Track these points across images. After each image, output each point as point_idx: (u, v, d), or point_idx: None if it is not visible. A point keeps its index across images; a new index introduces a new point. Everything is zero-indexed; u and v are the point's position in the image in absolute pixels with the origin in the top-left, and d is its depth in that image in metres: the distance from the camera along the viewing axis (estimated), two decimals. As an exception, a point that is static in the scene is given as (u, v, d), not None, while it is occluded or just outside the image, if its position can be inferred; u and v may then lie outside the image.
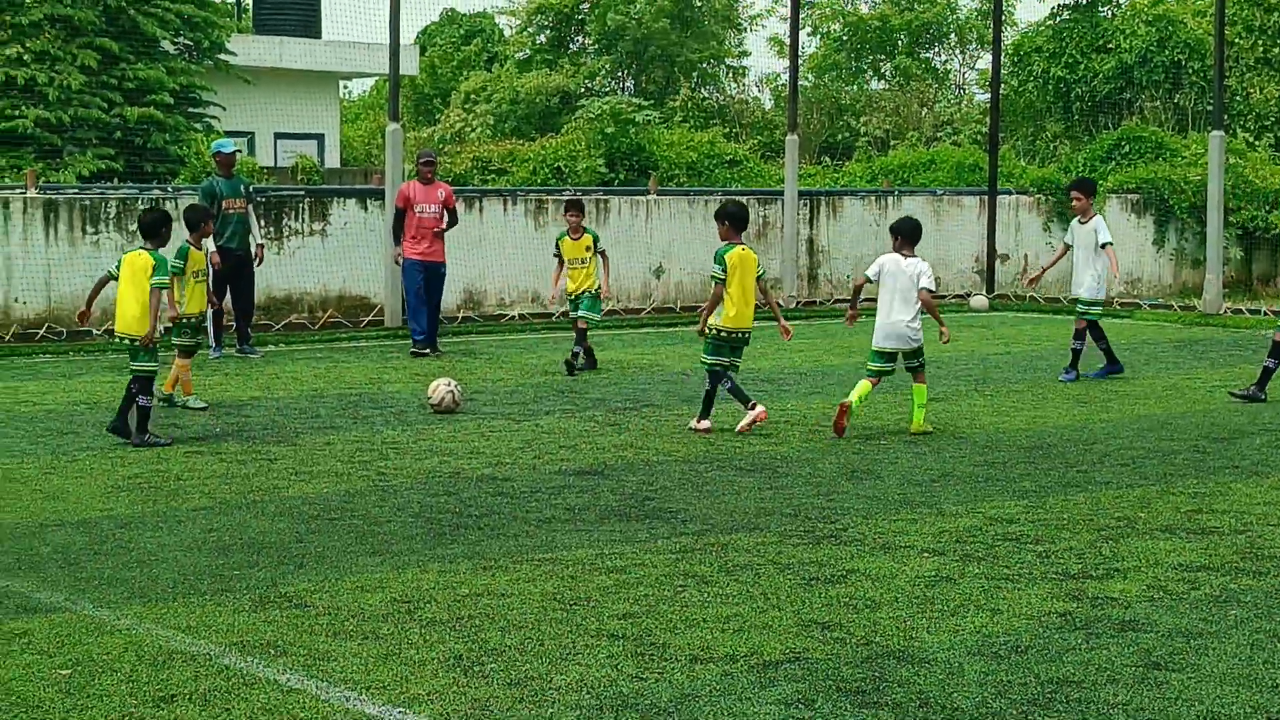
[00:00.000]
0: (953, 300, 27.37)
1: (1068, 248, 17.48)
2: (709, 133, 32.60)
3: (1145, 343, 21.04)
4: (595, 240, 17.49)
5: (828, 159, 38.56)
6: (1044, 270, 17.87)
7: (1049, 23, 38.74)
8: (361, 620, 7.45)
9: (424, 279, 18.94)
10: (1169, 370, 17.96)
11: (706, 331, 13.26)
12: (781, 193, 26.24)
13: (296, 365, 17.82)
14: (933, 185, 29.79)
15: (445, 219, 19.05)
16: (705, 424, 13.29)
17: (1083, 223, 17.11)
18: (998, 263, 28.36)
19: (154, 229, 12.80)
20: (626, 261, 24.63)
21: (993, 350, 20.01)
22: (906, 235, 13.65)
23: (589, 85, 44.32)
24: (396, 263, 19.32)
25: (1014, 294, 27.84)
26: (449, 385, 14.28)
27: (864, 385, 13.28)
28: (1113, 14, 38.07)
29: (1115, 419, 14.10)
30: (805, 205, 26.64)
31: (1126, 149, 32.03)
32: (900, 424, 13.67)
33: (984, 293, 27.59)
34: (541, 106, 42.14)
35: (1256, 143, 33.31)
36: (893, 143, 38.44)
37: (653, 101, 36.55)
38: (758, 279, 13.40)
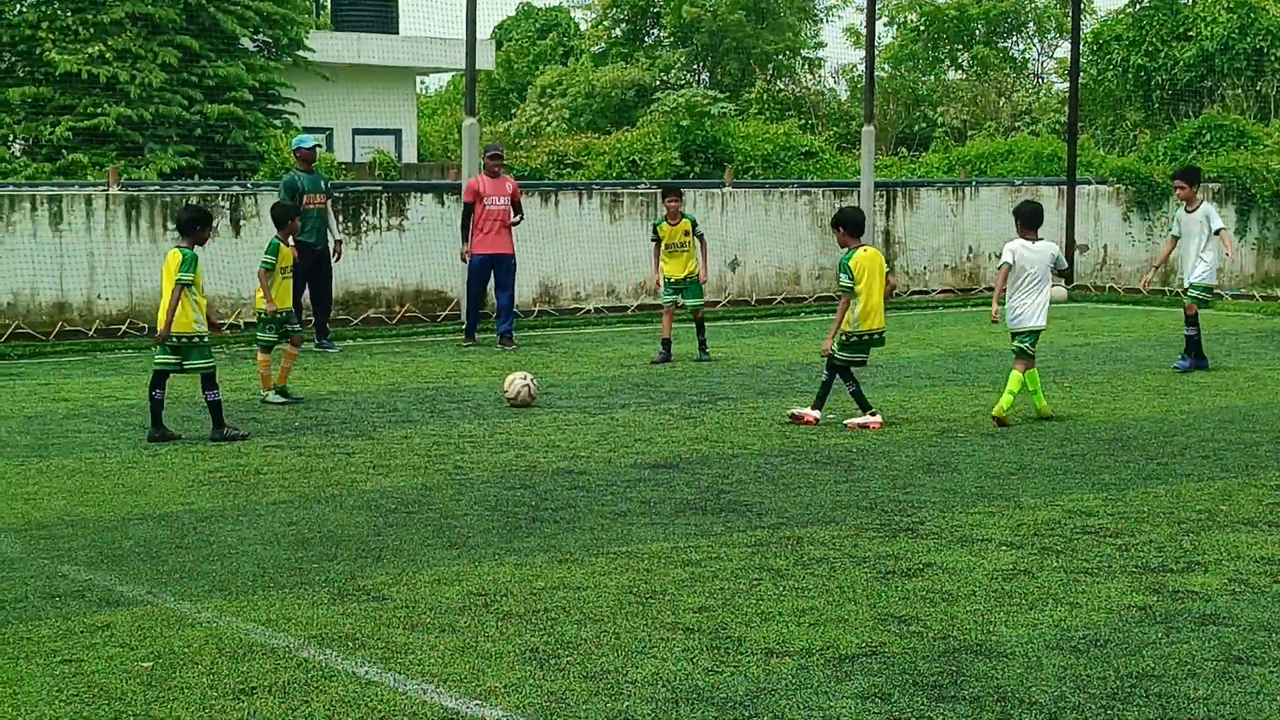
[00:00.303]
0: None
1: (1175, 239, 17.21)
2: (784, 124, 32.53)
3: (1227, 333, 20.79)
4: (694, 224, 17.69)
5: (904, 150, 38.38)
6: (1156, 268, 17.44)
7: (1128, 10, 38.36)
8: (438, 613, 7.50)
9: (493, 272, 19.17)
10: (1251, 361, 17.74)
11: (834, 347, 13.20)
12: (858, 184, 26.14)
13: (374, 360, 17.94)
14: (1011, 175, 29.59)
15: (512, 213, 19.26)
16: (815, 414, 13.28)
17: (1190, 211, 16.88)
18: (1077, 253, 28.10)
19: (189, 226, 12.79)
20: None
21: (1072, 342, 19.84)
22: (1026, 220, 13.49)
23: (664, 78, 44.34)
24: (463, 259, 19.47)
25: (1093, 284, 27.59)
26: (525, 379, 14.33)
27: (1017, 376, 13.24)
28: (1193, 1, 37.64)
29: (1196, 410, 13.95)
30: (882, 196, 26.52)
31: (1208, 137, 31.67)
32: (977, 416, 13.57)
33: (1063, 284, 27.35)
34: (617, 100, 42.21)
35: (1342, 130, 32.85)
36: (970, 133, 38.21)
37: (728, 94, 36.54)
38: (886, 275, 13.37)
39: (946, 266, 27.22)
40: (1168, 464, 11.40)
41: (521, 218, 19.57)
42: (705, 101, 29.55)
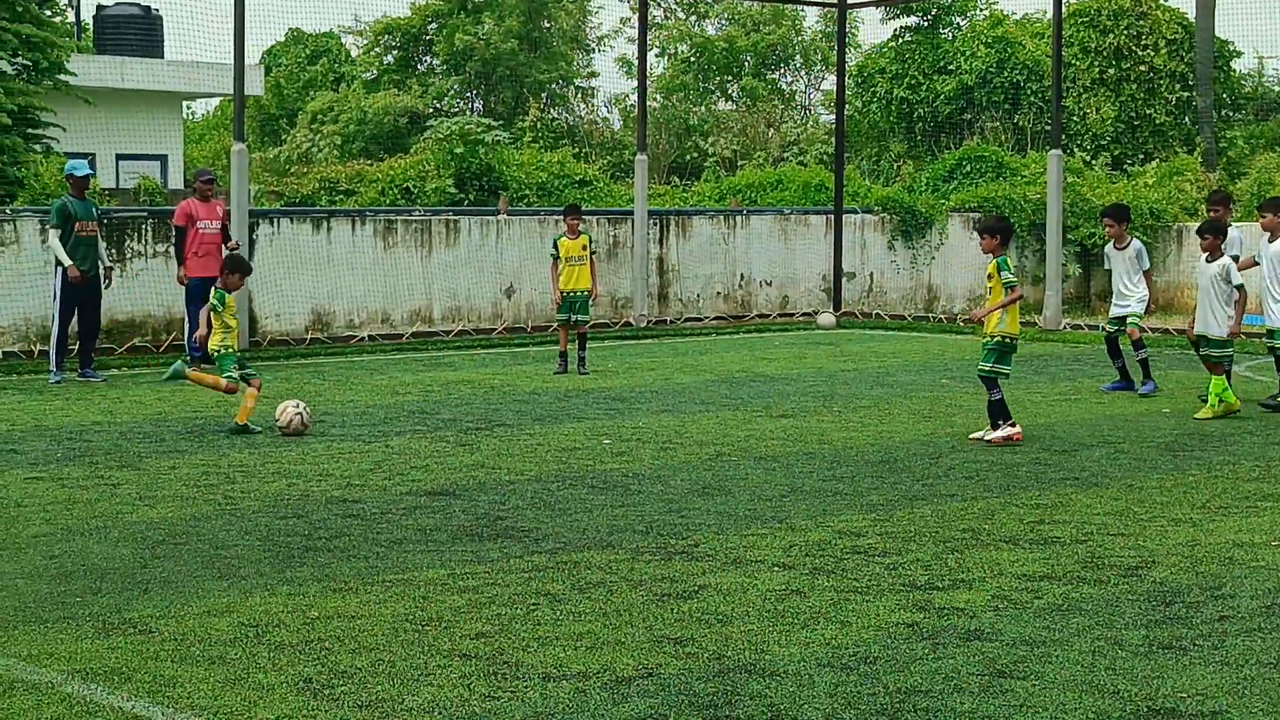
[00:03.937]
0: (800, 318, 27.69)
1: (1108, 273, 17.90)
2: (558, 153, 32.64)
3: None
4: (589, 241, 19.15)
5: (677, 179, 38.81)
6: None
7: (891, 45, 39.37)
8: (208, 645, 7.34)
9: (205, 294, 19.28)
10: (1011, 385, 18.25)
11: (994, 338, 13.81)
12: (631, 212, 26.35)
13: (140, 389, 17.51)
14: (780, 205, 30.11)
15: (225, 236, 19.82)
16: (1014, 429, 13.68)
17: (1119, 248, 17.41)
18: (844, 281, 28.71)
19: None
20: (477, 282, 24.57)
21: (841, 367, 20.25)
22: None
23: (437, 105, 44.19)
24: (181, 283, 19.54)
25: (860, 311, 28.21)
26: (297, 407, 14.15)
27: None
28: (954, 36, 38.80)
29: (960, 433, 14.34)
30: (655, 225, 26.78)
31: (968, 168, 32.67)
32: (750, 440, 13.77)
33: (831, 310, 27.92)
34: (389, 127, 41.93)
35: (1093, 162, 34.14)
36: (740, 163, 38.80)
37: (502, 122, 36.54)
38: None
39: (719, 294, 27.57)
40: (933, 485, 11.70)
41: (237, 244, 20.02)
42: (479, 129, 29.51)
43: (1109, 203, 29.51)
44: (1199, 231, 16.00)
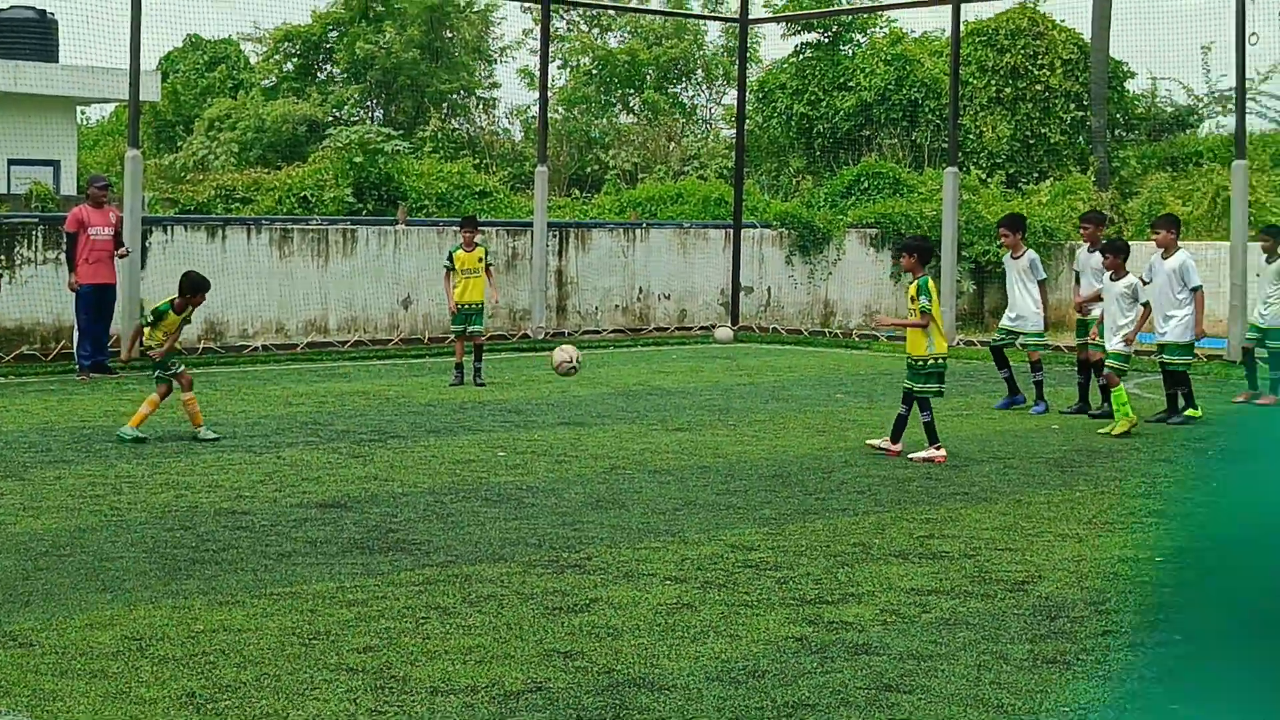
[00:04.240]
0: (699, 331, 27.76)
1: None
2: (459, 164, 32.56)
3: (883, 373, 21.59)
4: (485, 254, 19.29)
5: (577, 191, 38.79)
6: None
7: (792, 60, 39.61)
8: (90, 659, 7.22)
9: (96, 301, 19.47)
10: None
11: (924, 361, 13.87)
12: (531, 224, 26.31)
13: (27, 398, 17.22)
14: (680, 218, 30.19)
15: (116, 244, 19.72)
16: (939, 452, 13.65)
17: (1015, 258, 17.58)
18: (742, 295, 28.84)
19: None
20: (374, 292, 24.42)
21: (737, 381, 20.32)
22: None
23: (337, 114, 43.85)
24: (72, 289, 19.45)
25: (758, 325, 28.34)
26: (571, 361, 16.49)
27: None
28: (853, 53, 39.11)
29: (853, 447, 14.43)
30: (554, 237, 26.76)
31: (866, 184, 32.93)
32: (645, 453, 13.78)
33: (729, 324, 28.02)
34: (288, 135, 41.55)
35: (989, 179, 34.54)
36: (641, 176, 38.85)
37: (402, 132, 36.37)
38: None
39: (618, 307, 27.59)
40: (825, 499, 11.76)
41: (127, 251, 19.92)
42: (379, 139, 29.35)
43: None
44: (1102, 250, 16.26)
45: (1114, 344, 15.67)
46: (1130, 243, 18.94)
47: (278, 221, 24.20)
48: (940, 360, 13.94)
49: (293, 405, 17.00)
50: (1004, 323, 17.87)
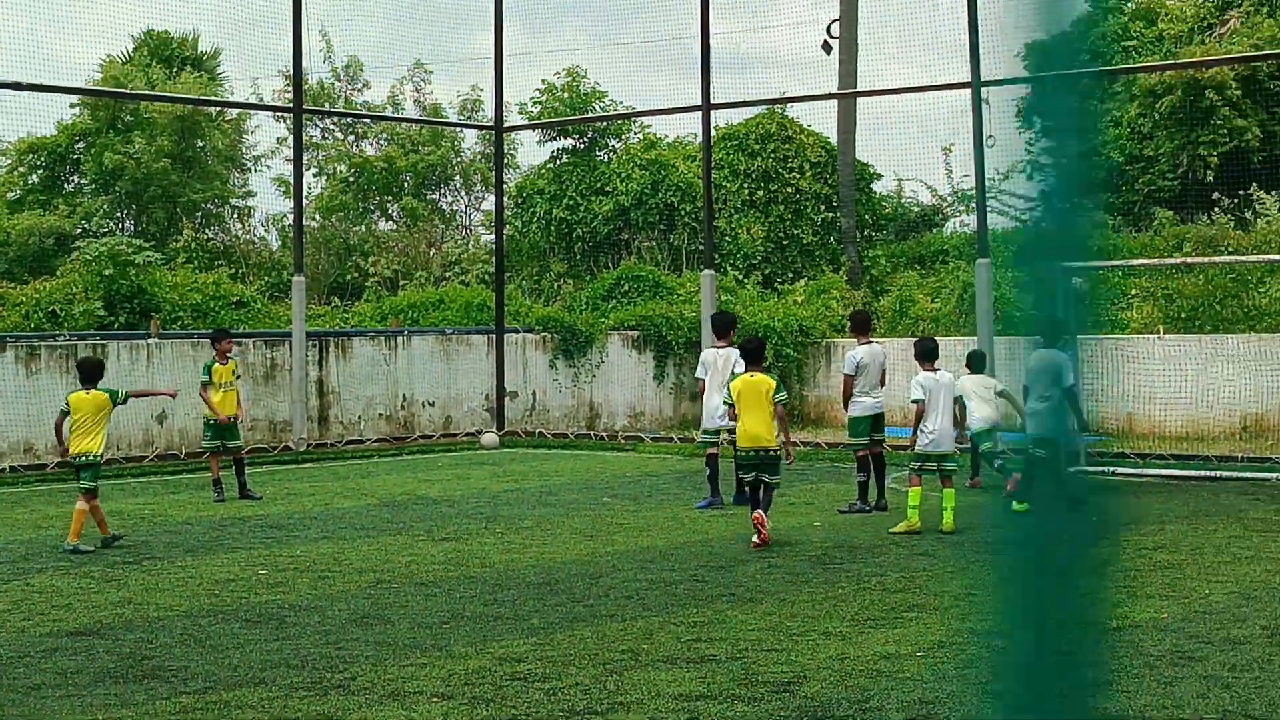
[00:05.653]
0: (464, 438, 27.61)
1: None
2: (214, 274, 32.00)
3: (648, 475, 21.70)
4: (236, 364, 19.31)
5: (337, 299, 38.42)
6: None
7: (549, 166, 39.95)
8: None
9: None
10: (670, 501, 18.56)
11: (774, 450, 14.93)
12: (289, 334, 25.95)
13: None
14: (442, 324, 30.08)
15: None
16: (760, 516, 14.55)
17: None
18: (507, 400, 28.80)
19: None
20: (126, 408, 23.75)
21: (504, 487, 20.22)
22: (925, 355, 15.78)
23: (86, 226, 42.83)
24: None
25: (523, 430, 28.30)
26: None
27: (916, 491, 15.48)
28: (609, 158, 39.61)
29: (620, 551, 14.44)
30: (314, 346, 26.42)
31: (626, 287, 33.28)
32: (411, 565, 13.59)
33: (494, 430, 27.93)
34: (35, 248, 40.43)
35: (745, 280, 35.16)
36: (402, 283, 38.68)
37: (154, 242, 35.66)
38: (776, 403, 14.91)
39: (381, 415, 27.32)
40: (594, 605, 11.72)
41: None
42: (130, 250, 28.70)
43: (761, 319, 30.49)
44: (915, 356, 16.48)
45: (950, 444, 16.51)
46: (882, 340, 19.44)
47: (24, 338, 23.45)
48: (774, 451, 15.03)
49: (42, 529, 16.41)
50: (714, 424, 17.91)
